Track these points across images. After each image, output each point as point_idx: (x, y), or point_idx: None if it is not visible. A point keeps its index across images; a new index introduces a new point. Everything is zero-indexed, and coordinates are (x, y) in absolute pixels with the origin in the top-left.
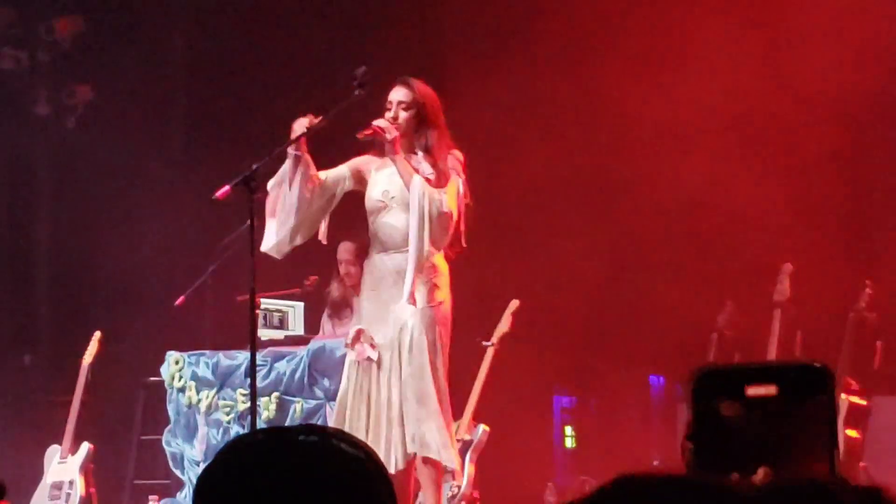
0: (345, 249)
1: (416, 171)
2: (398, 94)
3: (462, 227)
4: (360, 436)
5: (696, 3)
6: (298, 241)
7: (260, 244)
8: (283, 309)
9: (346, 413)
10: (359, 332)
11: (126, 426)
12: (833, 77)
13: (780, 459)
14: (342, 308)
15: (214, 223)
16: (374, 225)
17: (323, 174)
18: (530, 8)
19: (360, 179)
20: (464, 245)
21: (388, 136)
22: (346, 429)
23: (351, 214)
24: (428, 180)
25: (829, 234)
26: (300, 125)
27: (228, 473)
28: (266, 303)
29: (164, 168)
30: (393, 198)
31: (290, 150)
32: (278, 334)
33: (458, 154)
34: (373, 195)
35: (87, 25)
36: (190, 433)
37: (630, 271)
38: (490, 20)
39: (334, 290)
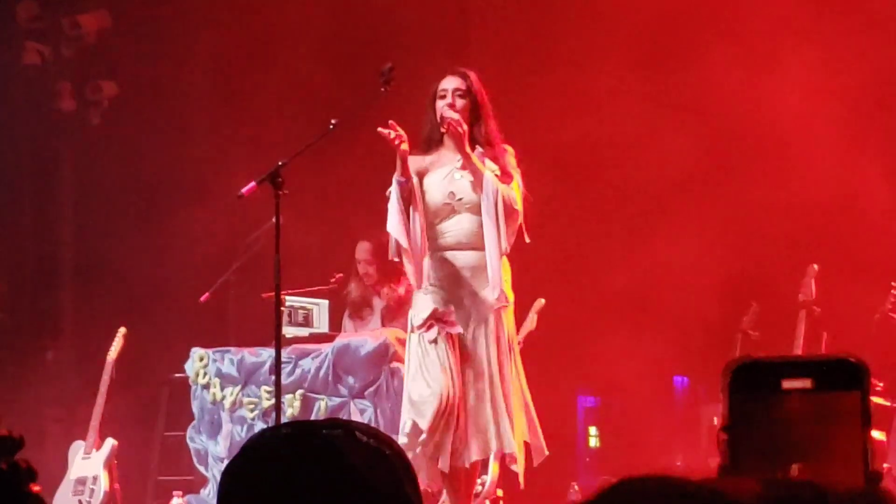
0: (363, 249)
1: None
2: (452, 82)
3: (523, 224)
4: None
5: None
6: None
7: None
8: (308, 306)
9: (437, 403)
10: (435, 311)
11: (150, 422)
12: None
13: (815, 452)
14: (362, 308)
15: (240, 220)
16: (439, 226)
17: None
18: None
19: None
20: (527, 241)
21: (462, 130)
22: (438, 420)
23: (368, 213)
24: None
25: (854, 236)
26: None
27: (253, 466)
28: (291, 300)
29: (189, 164)
30: (460, 199)
31: (398, 177)
32: (303, 332)
33: (510, 148)
34: (436, 198)
35: (112, 20)
36: (214, 430)
37: (654, 272)
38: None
39: (353, 290)
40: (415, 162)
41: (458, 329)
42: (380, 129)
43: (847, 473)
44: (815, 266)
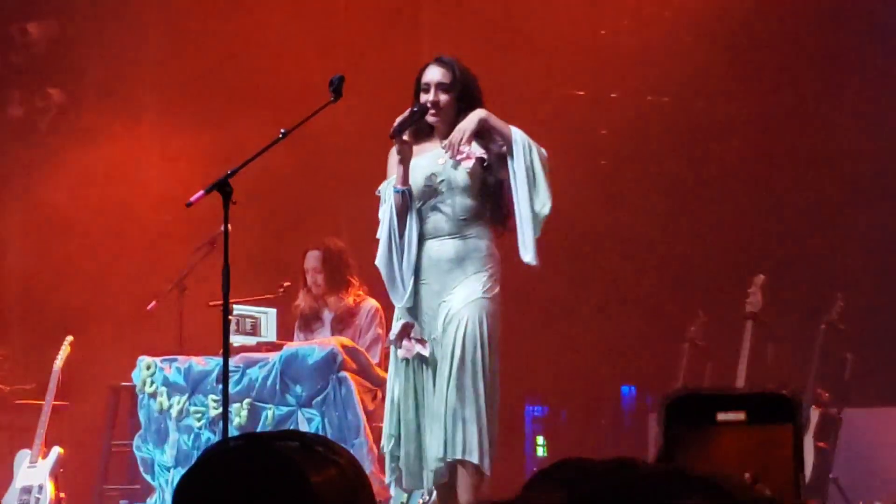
0: (312, 257)
1: (471, 156)
2: (435, 74)
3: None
4: (412, 437)
5: None
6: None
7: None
8: (256, 315)
9: (398, 414)
10: (406, 327)
11: (97, 431)
12: None
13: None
14: (312, 320)
15: (188, 228)
16: (420, 212)
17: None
18: None
19: None
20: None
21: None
22: (401, 431)
23: (315, 221)
24: (481, 160)
25: (799, 246)
26: None
27: (207, 480)
28: (239, 309)
29: (137, 171)
30: (442, 181)
31: (397, 186)
32: (251, 340)
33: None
34: (417, 181)
35: (60, 28)
36: (161, 439)
37: (600, 281)
38: None
39: (302, 300)
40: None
41: (426, 350)
42: (398, 138)
43: None
44: (762, 276)
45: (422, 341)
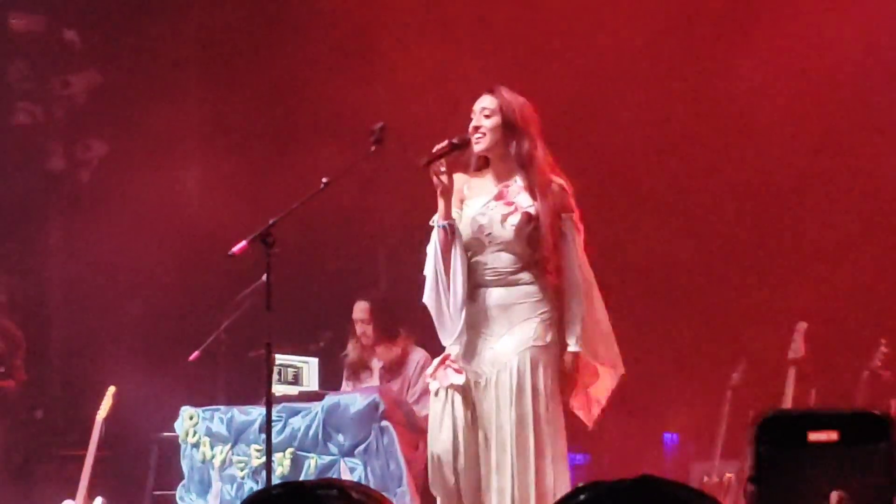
0: (360, 309)
1: (518, 208)
2: (481, 102)
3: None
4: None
5: None
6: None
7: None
8: (298, 365)
9: (453, 443)
10: (445, 358)
11: (140, 481)
12: None
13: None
14: (360, 370)
15: (230, 278)
16: (471, 260)
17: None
18: None
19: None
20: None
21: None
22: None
23: (360, 271)
24: (528, 215)
25: (843, 291)
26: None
27: None
28: (281, 358)
29: (180, 220)
30: (489, 234)
31: (439, 221)
32: (293, 390)
33: (562, 181)
34: (468, 229)
35: (102, 79)
36: (204, 489)
37: (641, 326)
38: None
39: (351, 351)
40: (458, 182)
41: (460, 379)
42: (433, 168)
43: None
44: (804, 323)
45: (458, 370)
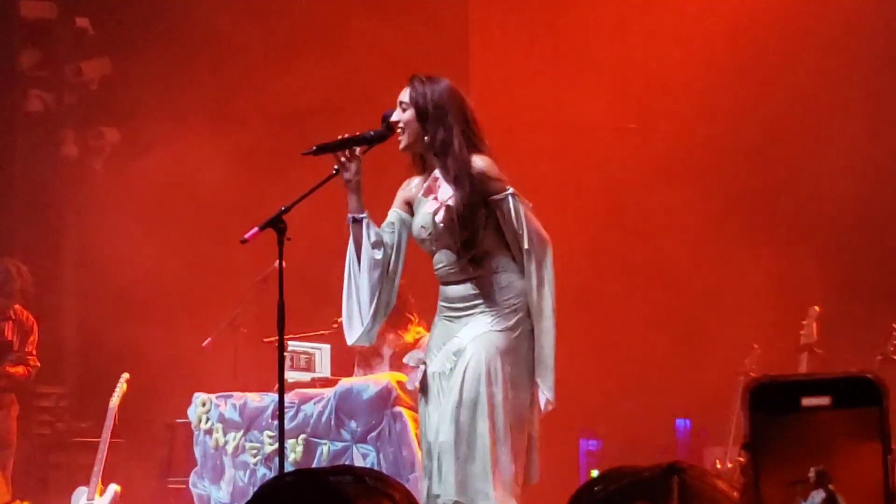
0: None
1: (441, 204)
2: (400, 96)
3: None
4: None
5: None
6: (382, 317)
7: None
8: (310, 351)
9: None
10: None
11: (153, 468)
12: None
13: (835, 470)
14: (372, 356)
15: (242, 265)
16: (433, 258)
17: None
18: None
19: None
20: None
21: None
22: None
23: None
24: (448, 208)
25: (855, 278)
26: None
27: None
28: (293, 345)
29: (192, 207)
30: (430, 234)
31: (350, 214)
32: (305, 376)
33: (482, 163)
34: (417, 232)
35: (114, 67)
36: (217, 475)
37: (656, 314)
38: None
39: None
40: (410, 184)
41: (410, 385)
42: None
43: (867, 491)
44: (817, 308)
45: (410, 368)
